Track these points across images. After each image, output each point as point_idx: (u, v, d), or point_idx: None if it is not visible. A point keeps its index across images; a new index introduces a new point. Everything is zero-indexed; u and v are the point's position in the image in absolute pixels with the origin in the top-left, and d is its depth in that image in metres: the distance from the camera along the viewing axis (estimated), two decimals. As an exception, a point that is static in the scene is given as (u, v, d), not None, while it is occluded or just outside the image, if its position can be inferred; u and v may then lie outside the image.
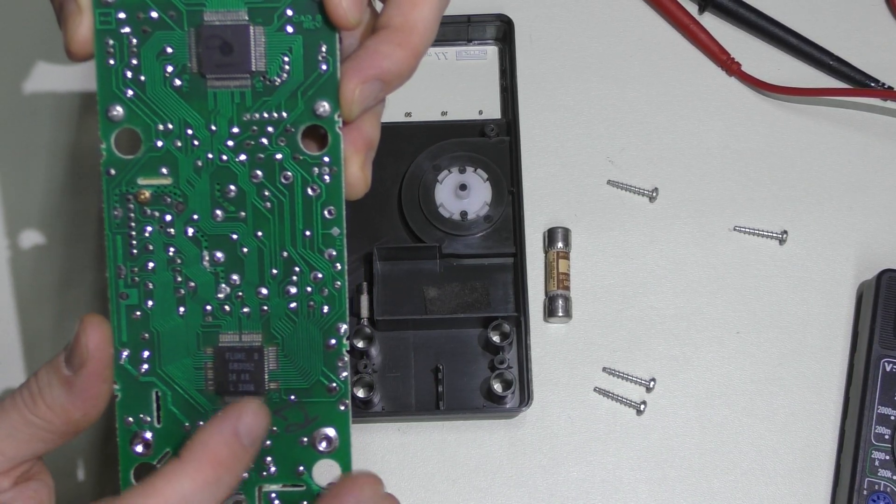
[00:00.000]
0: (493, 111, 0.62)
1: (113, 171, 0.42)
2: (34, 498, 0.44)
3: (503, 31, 0.62)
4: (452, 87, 0.62)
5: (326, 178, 0.42)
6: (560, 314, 0.58)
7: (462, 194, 0.59)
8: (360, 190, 0.43)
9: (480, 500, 0.57)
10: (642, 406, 0.57)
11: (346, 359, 0.43)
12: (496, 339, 0.57)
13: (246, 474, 0.43)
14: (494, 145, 0.60)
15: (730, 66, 0.62)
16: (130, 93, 0.42)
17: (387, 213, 0.59)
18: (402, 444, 0.57)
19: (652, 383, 0.58)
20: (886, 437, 0.55)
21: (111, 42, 0.41)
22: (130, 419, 0.43)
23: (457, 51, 0.62)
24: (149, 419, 0.43)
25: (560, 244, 0.59)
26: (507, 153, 0.60)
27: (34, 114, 0.62)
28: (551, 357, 0.58)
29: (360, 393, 0.56)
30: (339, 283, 0.43)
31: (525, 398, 0.56)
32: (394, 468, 0.57)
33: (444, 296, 0.58)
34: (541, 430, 0.57)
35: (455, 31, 0.62)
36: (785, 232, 0.60)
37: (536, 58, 0.63)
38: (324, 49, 0.41)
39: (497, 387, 0.56)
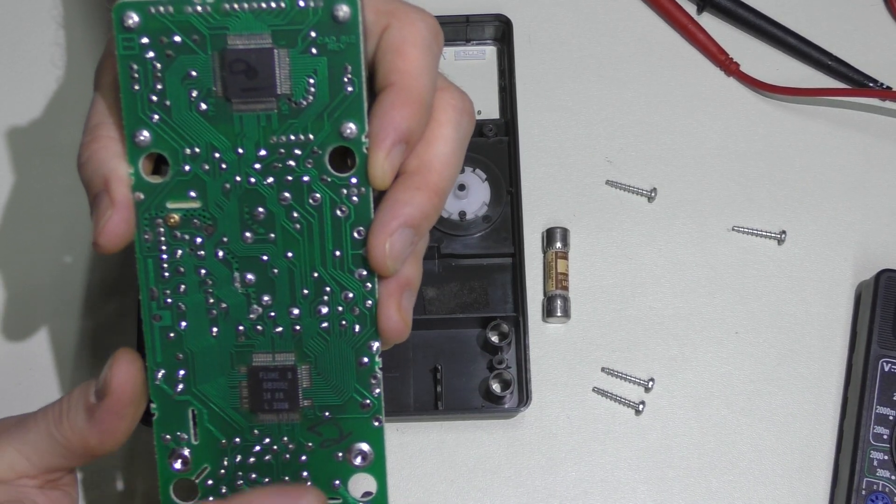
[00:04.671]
0: (492, 111, 0.62)
1: (141, 196, 0.42)
2: None
3: (502, 32, 0.62)
4: (451, 88, 0.62)
5: (355, 198, 0.42)
6: (559, 314, 0.58)
7: (460, 194, 0.59)
8: (402, 333, 0.42)
9: (479, 500, 0.57)
10: (641, 406, 0.57)
11: (379, 376, 0.43)
12: (495, 339, 0.57)
13: None
14: (493, 145, 0.60)
15: (728, 66, 0.62)
16: (156, 117, 0.41)
17: (385, 214, 0.59)
18: (400, 444, 0.57)
19: (650, 383, 0.58)
20: (885, 436, 0.55)
21: (135, 67, 0.41)
22: (168, 436, 0.43)
23: (455, 51, 0.62)
24: (185, 436, 0.43)
25: (559, 244, 0.59)
26: (505, 153, 0.60)
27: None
28: (550, 357, 0.58)
29: (359, 393, 0.56)
30: (370, 301, 0.42)
31: (524, 398, 0.56)
32: (392, 468, 0.56)
33: (443, 296, 0.58)
34: (539, 431, 0.57)
35: (454, 31, 0.62)
36: (783, 232, 0.60)
37: (535, 58, 0.63)
38: (349, 70, 0.41)
39: (496, 387, 0.56)
